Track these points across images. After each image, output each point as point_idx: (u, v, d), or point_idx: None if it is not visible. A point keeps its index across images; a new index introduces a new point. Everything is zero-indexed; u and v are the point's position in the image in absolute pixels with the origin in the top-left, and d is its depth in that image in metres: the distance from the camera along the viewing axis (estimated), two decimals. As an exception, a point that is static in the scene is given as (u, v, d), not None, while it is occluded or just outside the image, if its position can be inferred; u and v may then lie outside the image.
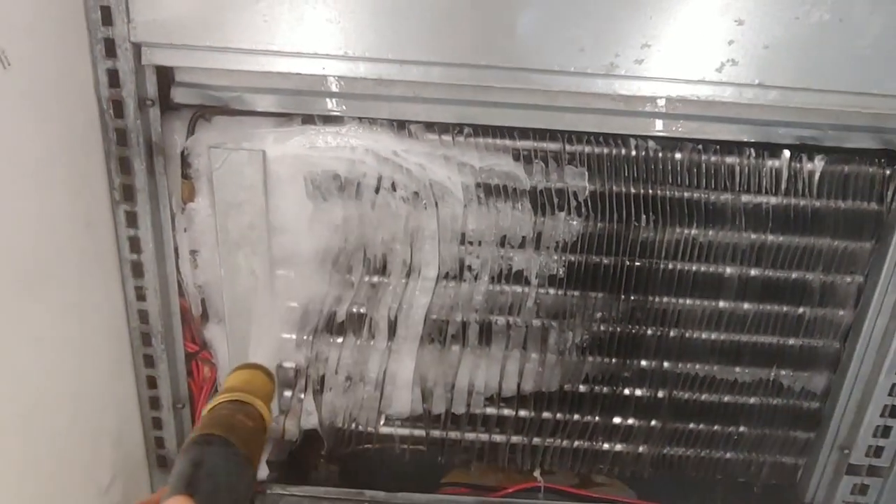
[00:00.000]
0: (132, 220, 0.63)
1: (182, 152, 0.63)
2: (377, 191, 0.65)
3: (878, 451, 0.71)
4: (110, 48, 0.57)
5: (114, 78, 0.58)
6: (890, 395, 0.69)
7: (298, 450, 0.77)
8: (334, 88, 0.62)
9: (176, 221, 0.66)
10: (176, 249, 0.67)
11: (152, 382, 0.69)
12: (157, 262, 0.65)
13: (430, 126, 0.63)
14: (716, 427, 0.74)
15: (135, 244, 0.64)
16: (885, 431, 0.70)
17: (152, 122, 0.61)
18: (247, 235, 0.66)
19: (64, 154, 0.57)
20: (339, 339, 0.70)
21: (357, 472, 0.78)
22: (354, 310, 0.69)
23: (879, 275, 0.66)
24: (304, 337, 0.70)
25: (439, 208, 0.65)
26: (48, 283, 0.56)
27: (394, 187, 0.65)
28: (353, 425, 0.75)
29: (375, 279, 0.68)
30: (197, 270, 0.69)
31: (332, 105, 0.62)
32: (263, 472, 0.76)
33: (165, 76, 0.62)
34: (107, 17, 0.56)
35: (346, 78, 0.61)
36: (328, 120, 0.63)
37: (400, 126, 0.63)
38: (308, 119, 0.63)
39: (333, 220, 0.66)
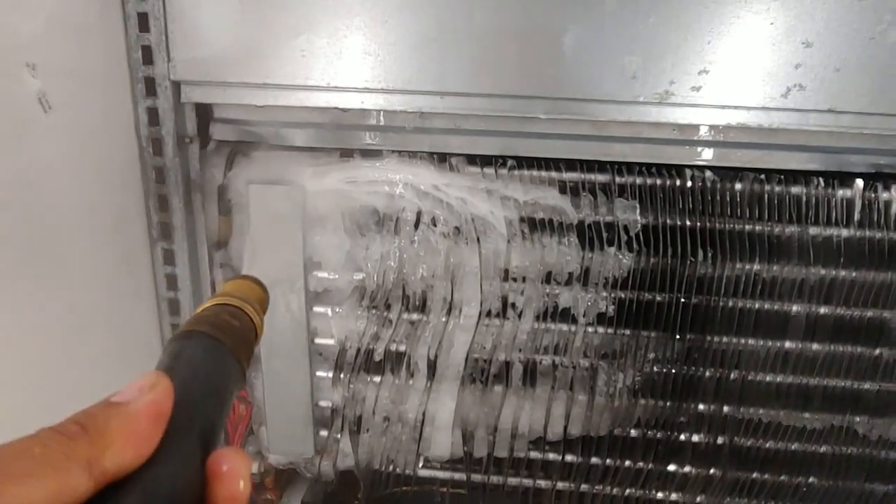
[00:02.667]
0: (170, 258, 0.62)
1: (220, 188, 0.63)
2: (417, 226, 0.62)
3: (970, 509, 0.64)
4: (150, 87, 0.57)
5: (153, 116, 0.58)
6: (984, 447, 0.62)
7: (335, 491, 0.74)
8: (373, 122, 0.60)
9: (213, 258, 0.65)
10: (213, 286, 0.66)
11: (188, 421, 0.68)
12: (195, 300, 0.64)
13: (471, 159, 0.61)
14: (782, 477, 0.68)
15: (172, 282, 0.63)
16: (979, 487, 0.63)
17: (191, 159, 0.61)
18: (283, 271, 0.64)
19: (104, 194, 0.57)
20: (377, 379, 0.68)
21: (395, 515, 0.75)
22: (393, 348, 0.66)
23: (968, 314, 0.60)
24: (341, 375, 0.67)
25: (481, 244, 0.62)
26: (90, 322, 0.56)
27: (434, 222, 0.62)
28: (391, 467, 0.72)
29: (415, 317, 0.66)
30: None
31: (370, 139, 0.60)
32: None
33: (204, 113, 0.61)
34: (147, 57, 0.56)
35: (385, 111, 0.59)
36: (367, 154, 0.61)
37: (441, 159, 0.61)
38: (347, 153, 0.62)
39: (371, 256, 0.64)
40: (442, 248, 0.63)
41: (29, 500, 0.17)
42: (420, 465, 0.72)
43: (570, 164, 0.61)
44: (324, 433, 0.71)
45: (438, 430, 0.69)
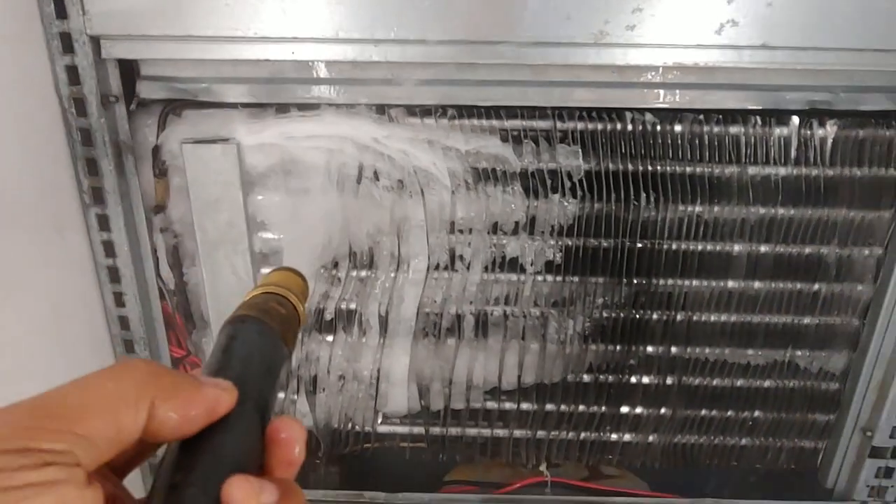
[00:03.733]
0: (104, 223, 0.60)
1: (153, 150, 0.60)
2: (359, 180, 0.61)
3: (903, 433, 0.67)
4: (67, 43, 0.54)
5: (73, 74, 0.55)
6: (915, 372, 0.65)
7: (295, 452, 0.74)
8: (306, 74, 0.58)
9: (152, 222, 0.63)
10: (154, 251, 0.64)
11: (139, 390, 0.67)
12: (135, 266, 0.62)
13: (411, 109, 0.60)
14: (729, 413, 0.71)
15: (109, 248, 0.61)
16: (911, 411, 0.66)
17: (118, 119, 0.58)
18: (226, 234, 0.63)
19: (27, 158, 0.54)
20: (330, 338, 0.67)
21: (358, 473, 0.76)
22: (343, 306, 0.66)
23: (900, 245, 0.62)
24: (293, 337, 0.67)
25: (425, 196, 0.62)
26: (20, 293, 0.54)
27: (376, 176, 0.61)
28: (350, 425, 0.72)
29: (363, 274, 0.65)
30: (178, 272, 0.66)
31: (304, 92, 0.59)
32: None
33: (130, 70, 0.59)
34: (61, 10, 0.53)
35: (317, 62, 0.57)
36: (304, 108, 0.60)
37: (379, 111, 0.60)
38: (283, 108, 0.60)
39: (315, 214, 0.63)
40: (386, 202, 0.62)
41: (100, 429, 0.19)
42: (378, 421, 0.72)
43: (511, 112, 0.60)
44: (280, 395, 0.71)
45: (394, 386, 0.70)
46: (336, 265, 0.65)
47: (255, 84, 0.59)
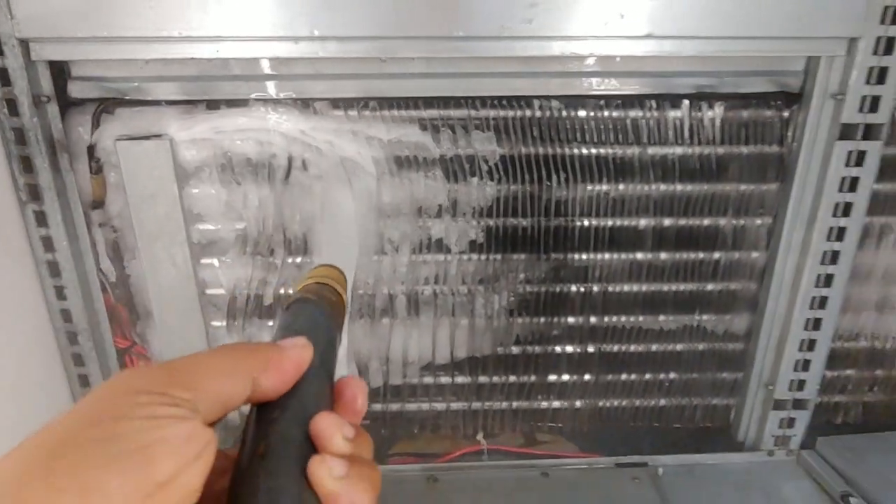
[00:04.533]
0: (42, 219, 0.62)
1: (88, 148, 0.63)
2: (289, 171, 0.65)
3: (800, 385, 0.74)
4: (-4, 46, 0.57)
5: (4, 76, 0.57)
6: (805, 329, 0.72)
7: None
8: (232, 71, 0.62)
9: (90, 217, 0.66)
10: (94, 246, 0.67)
11: (84, 381, 0.69)
12: (75, 260, 0.65)
13: (334, 102, 0.64)
14: (647, 376, 0.77)
15: (48, 243, 0.63)
16: (805, 365, 0.73)
17: (51, 118, 0.61)
18: (164, 226, 0.66)
19: (-40, 157, 0.56)
20: (270, 323, 0.71)
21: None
22: (281, 291, 0.70)
23: (786, 214, 0.68)
24: (234, 322, 0.70)
25: (353, 184, 0.66)
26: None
27: (305, 166, 0.65)
28: (295, 406, 0.75)
29: (299, 259, 0.69)
30: (119, 265, 0.68)
31: (232, 88, 0.62)
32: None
33: (61, 70, 0.61)
34: (-12, 15, 0.55)
35: (242, 59, 0.61)
36: (233, 103, 0.63)
37: (304, 104, 0.63)
38: (213, 104, 0.63)
39: (249, 204, 0.66)
40: (316, 190, 0.66)
41: (214, 392, 0.24)
42: (322, 400, 0.76)
43: (429, 102, 0.64)
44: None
45: (334, 366, 0.73)
46: (272, 252, 0.68)
47: (183, 82, 0.62)
